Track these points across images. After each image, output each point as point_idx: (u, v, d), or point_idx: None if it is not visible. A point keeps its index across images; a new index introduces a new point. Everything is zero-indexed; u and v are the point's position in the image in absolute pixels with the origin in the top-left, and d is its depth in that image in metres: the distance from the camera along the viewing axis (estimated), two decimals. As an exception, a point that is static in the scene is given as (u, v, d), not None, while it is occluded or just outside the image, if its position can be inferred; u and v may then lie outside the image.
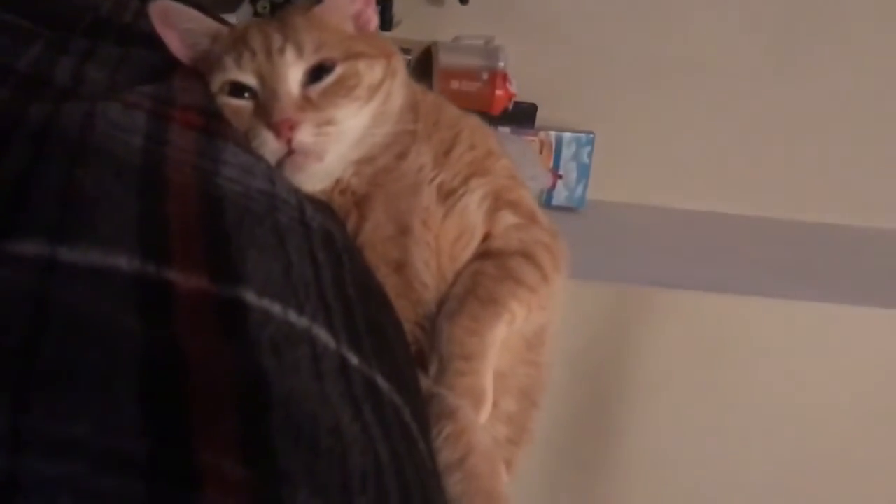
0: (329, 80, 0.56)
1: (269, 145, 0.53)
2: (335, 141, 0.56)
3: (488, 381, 0.58)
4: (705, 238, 2.02)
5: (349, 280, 0.44)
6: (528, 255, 0.63)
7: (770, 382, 1.70)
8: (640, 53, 2.04)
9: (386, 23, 1.85)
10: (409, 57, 1.90)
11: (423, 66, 1.90)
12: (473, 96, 1.88)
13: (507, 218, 0.65)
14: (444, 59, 1.90)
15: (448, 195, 0.62)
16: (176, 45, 0.58)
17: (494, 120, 1.93)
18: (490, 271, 0.61)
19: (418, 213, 0.60)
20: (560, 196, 2.06)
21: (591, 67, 2.06)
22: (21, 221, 0.30)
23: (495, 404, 0.66)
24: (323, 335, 0.37)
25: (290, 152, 0.54)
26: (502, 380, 0.65)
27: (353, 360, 0.38)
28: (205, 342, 0.30)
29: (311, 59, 0.56)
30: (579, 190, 2.06)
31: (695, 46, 2.04)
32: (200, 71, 0.56)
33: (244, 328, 0.33)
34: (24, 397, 0.25)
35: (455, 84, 1.87)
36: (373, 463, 0.34)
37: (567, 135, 2.02)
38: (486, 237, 0.64)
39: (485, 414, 0.57)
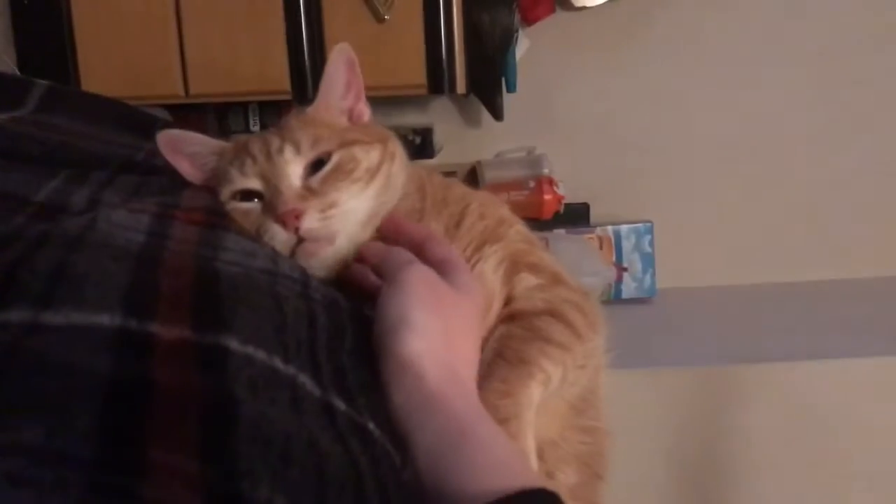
0: (328, 168, 0.59)
1: (279, 237, 0.55)
2: (342, 222, 0.58)
3: (529, 443, 0.55)
4: (781, 309, 1.96)
5: (349, 347, 0.45)
6: (555, 314, 0.61)
7: (869, 442, 1.60)
8: (686, 137, 2.07)
9: (429, 151, 1.94)
10: (455, 179, 1.96)
11: (470, 185, 1.96)
12: (523, 204, 1.92)
13: (528, 280, 0.63)
14: (489, 175, 1.96)
15: None
16: (186, 169, 0.62)
17: (548, 224, 1.96)
18: (517, 333, 0.60)
19: None
20: (629, 288, 2.04)
21: (638, 159, 2.09)
22: (9, 295, 0.33)
23: (551, 475, 0.64)
24: (308, 384, 0.37)
25: (301, 241, 0.56)
26: (554, 449, 0.63)
27: (341, 405, 0.39)
28: (176, 374, 0.32)
29: (309, 155, 0.59)
30: (647, 280, 2.04)
31: (741, 123, 2.06)
32: (211, 187, 0.60)
33: (222, 367, 0.34)
34: None
35: (503, 196, 1.92)
36: (354, 478, 0.34)
37: (624, 227, 2.03)
38: (509, 301, 0.63)
39: None
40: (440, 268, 0.54)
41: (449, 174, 1.94)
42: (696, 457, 1.70)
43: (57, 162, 0.58)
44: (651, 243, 2.03)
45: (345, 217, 0.58)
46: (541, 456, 0.62)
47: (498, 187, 1.93)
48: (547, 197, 1.92)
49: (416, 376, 0.45)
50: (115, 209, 0.44)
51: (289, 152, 0.58)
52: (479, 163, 1.99)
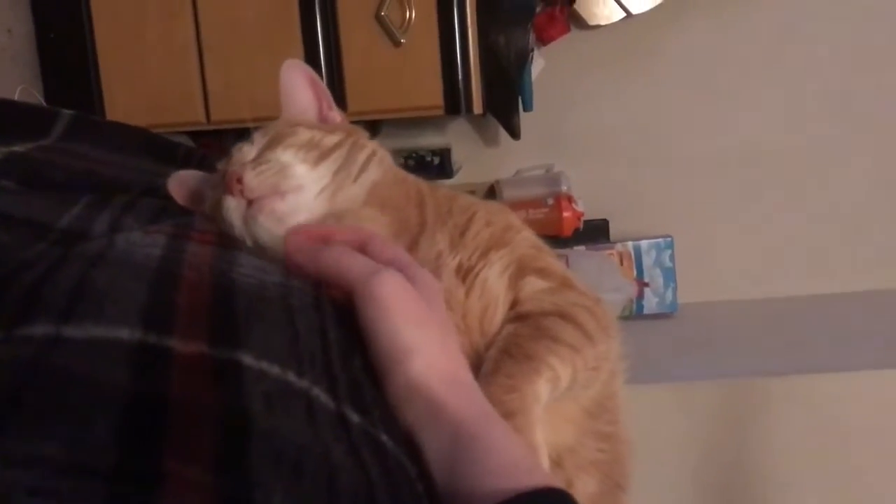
0: (267, 138, 0.60)
1: (231, 206, 0.55)
2: (283, 176, 0.56)
3: (536, 438, 0.55)
4: (804, 321, 1.95)
5: (361, 359, 0.46)
6: (564, 316, 0.61)
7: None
8: (704, 151, 2.08)
9: (448, 171, 1.96)
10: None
11: (490, 203, 1.97)
12: (543, 223, 1.93)
13: (535, 283, 0.62)
14: (508, 193, 1.98)
15: (467, 273, 0.61)
16: (190, 204, 0.63)
17: (568, 241, 1.97)
18: (523, 332, 0.59)
19: None
20: (651, 304, 2.03)
21: (657, 174, 2.09)
22: (32, 311, 0.34)
23: (570, 484, 0.64)
24: (322, 396, 0.38)
25: (250, 203, 0.55)
26: (572, 456, 0.63)
27: (355, 418, 0.39)
28: (193, 388, 0.33)
29: (260, 142, 0.60)
30: (669, 295, 2.03)
31: (758, 135, 2.06)
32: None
33: (237, 382, 0.35)
34: (1, 429, 0.28)
35: (522, 215, 1.93)
36: (366, 489, 0.35)
37: (644, 242, 2.03)
38: (515, 304, 0.62)
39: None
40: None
41: (468, 194, 1.96)
42: (724, 472, 1.69)
43: (79, 188, 0.59)
44: (672, 258, 2.03)
45: (283, 172, 0.57)
46: (559, 463, 0.62)
47: (517, 205, 1.94)
48: (566, 214, 1.93)
49: (424, 395, 0.45)
50: (131, 233, 0.46)
51: (245, 148, 0.59)
52: (497, 182, 2.00)
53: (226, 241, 0.53)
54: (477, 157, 2.06)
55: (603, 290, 1.91)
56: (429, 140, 2.00)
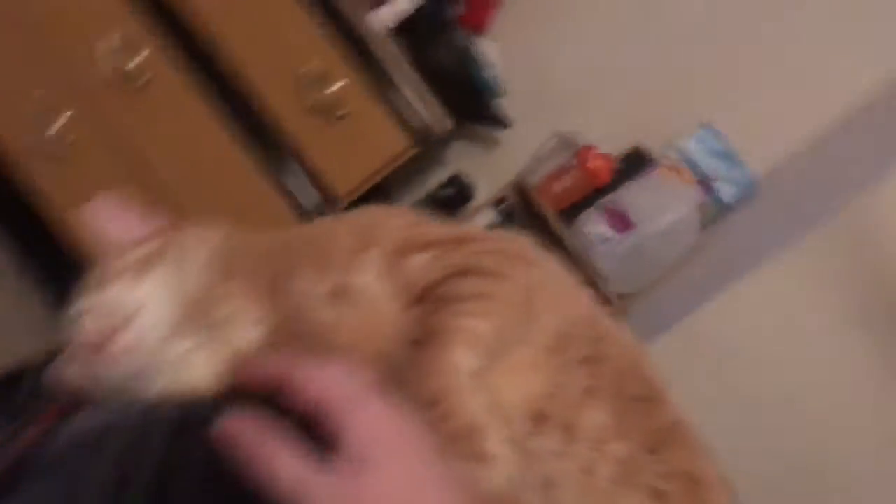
0: (94, 284, 0.57)
1: (75, 371, 0.53)
2: (113, 311, 0.54)
3: (474, 415, 0.49)
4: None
5: (194, 475, 0.43)
6: (461, 272, 0.56)
7: None
8: (687, 26, 1.98)
9: (467, 193, 1.93)
10: (508, 202, 1.91)
11: (524, 201, 1.92)
12: (578, 185, 1.87)
13: (419, 259, 0.57)
14: (534, 178, 1.93)
15: (341, 292, 0.56)
16: None
17: (614, 185, 1.88)
18: (422, 311, 0.55)
19: (328, 333, 0.57)
20: (729, 194, 1.90)
21: (657, 76, 1.99)
22: None
23: (573, 425, 0.57)
24: None
25: (94, 354, 0.53)
26: (554, 400, 0.56)
27: None
28: None
29: (91, 293, 0.57)
30: (741, 177, 1.89)
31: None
32: None
33: None
34: None
35: (556, 187, 1.87)
36: None
37: (687, 143, 1.91)
38: (410, 288, 0.57)
39: (492, 445, 0.50)
40: (317, 418, 0.45)
41: (499, 202, 1.91)
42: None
43: None
44: (723, 141, 1.90)
45: (113, 307, 0.55)
46: (544, 415, 0.56)
47: (547, 184, 1.89)
48: (592, 165, 1.85)
49: None
50: None
51: (76, 307, 0.57)
52: (518, 175, 1.95)
53: (72, 408, 0.52)
54: (489, 164, 2.02)
55: (670, 210, 1.81)
56: (435, 177, 1.97)
